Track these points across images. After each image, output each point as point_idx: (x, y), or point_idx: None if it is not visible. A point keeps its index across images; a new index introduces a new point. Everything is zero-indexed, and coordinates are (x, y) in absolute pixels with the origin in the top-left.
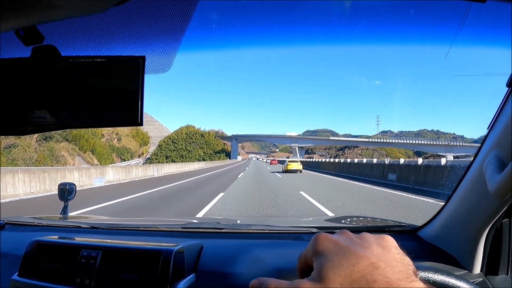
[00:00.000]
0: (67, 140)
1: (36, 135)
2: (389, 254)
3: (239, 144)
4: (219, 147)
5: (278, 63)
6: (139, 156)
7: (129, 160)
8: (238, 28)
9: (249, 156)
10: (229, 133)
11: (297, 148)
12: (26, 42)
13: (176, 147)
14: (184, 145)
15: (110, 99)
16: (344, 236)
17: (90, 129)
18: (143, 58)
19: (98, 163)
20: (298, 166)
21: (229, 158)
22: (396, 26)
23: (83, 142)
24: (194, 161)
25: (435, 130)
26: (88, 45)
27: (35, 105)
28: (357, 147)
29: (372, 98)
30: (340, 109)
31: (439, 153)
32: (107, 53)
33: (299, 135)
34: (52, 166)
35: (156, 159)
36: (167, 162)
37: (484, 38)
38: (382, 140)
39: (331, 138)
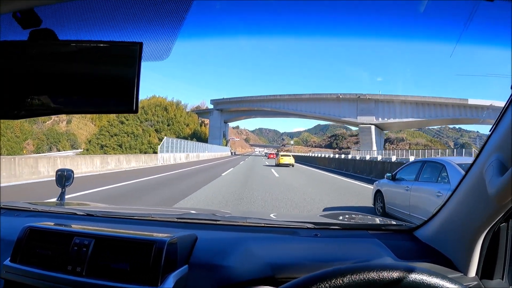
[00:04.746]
0: None
1: None
2: None
3: (232, 128)
4: (191, 128)
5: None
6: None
7: (66, 150)
8: (239, 15)
9: (254, 150)
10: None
11: (373, 128)
12: (24, 25)
13: (121, 130)
14: (133, 126)
15: (105, 84)
16: None
17: None
18: (140, 44)
19: None
20: (290, 160)
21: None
22: (403, 19)
23: None
24: (134, 154)
25: (457, 127)
26: (85, 30)
27: (30, 89)
28: (403, 140)
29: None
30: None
31: None
32: (105, 38)
33: (379, 93)
34: None
35: (87, 149)
36: (100, 153)
37: (491, 37)
38: None
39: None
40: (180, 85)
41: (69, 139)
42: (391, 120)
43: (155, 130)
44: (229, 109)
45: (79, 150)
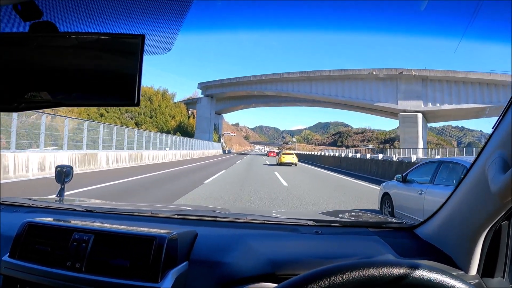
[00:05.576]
0: None
1: None
2: None
3: (231, 125)
4: (176, 120)
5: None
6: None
7: (46, 147)
8: (242, 6)
9: (254, 148)
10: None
11: (419, 117)
12: (24, 17)
13: (98, 124)
14: (111, 119)
15: (106, 77)
16: None
17: None
18: (142, 37)
19: None
20: (292, 159)
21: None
22: (405, 15)
23: None
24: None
25: (460, 126)
26: (87, 22)
27: (30, 81)
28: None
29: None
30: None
31: None
32: (106, 30)
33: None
34: None
35: (62, 145)
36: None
37: (496, 33)
38: None
39: None
40: (176, 79)
41: (50, 134)
42: (445, 107)
43: (135, 123)
44: (223, 94)
45: (56, 147)
